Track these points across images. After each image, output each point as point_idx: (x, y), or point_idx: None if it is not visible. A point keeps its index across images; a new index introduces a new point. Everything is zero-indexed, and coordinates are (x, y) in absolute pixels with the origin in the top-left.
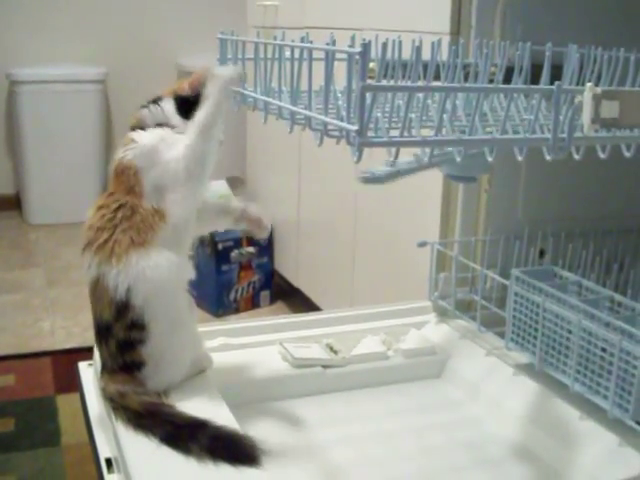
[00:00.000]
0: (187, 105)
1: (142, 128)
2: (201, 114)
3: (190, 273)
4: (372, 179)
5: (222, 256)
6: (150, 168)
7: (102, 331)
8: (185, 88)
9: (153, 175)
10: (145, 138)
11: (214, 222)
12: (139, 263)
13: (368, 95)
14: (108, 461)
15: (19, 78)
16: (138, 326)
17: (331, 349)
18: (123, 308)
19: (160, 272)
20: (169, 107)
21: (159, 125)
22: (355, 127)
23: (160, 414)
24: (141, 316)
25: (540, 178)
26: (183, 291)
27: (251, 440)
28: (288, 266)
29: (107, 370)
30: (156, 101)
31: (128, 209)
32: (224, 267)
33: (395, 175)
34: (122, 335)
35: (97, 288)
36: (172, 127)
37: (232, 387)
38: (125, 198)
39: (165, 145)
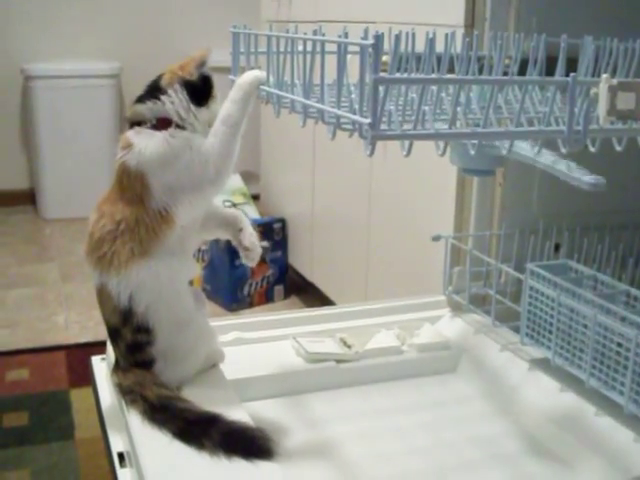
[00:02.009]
0: (196, 91)
1: (139, 123)
2: (226, 112)
3: (193, 271)
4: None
5: (235, 251)
6: (162, 172)
7: (112, 333)
8: (192, 72)
9: (168, 178)
10: (149, 143)
11: (213, 231)
12: (139, 274)
13: (381, 88)
14: (120, 455)
15: (33, 73)
16: (143, 330)
17: (345, 343)
18: (128, 314)
19: (161, 281)
20: (181, 97)
21: (160, 120)
22: (368, 120)
23: (173, 409)
24: (145, 321)
25: None
26: (185, 291)
27: (264, 433)
28: (302, 260)
29: (120, 367)
30: (157, 91)
31: (132, 221)
32: (237, 262)
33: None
34: (130, 338)
35: (102, 295)
36: (176, 120)
37: (245, 382)
38: (129, 209)
39: (176, 147)
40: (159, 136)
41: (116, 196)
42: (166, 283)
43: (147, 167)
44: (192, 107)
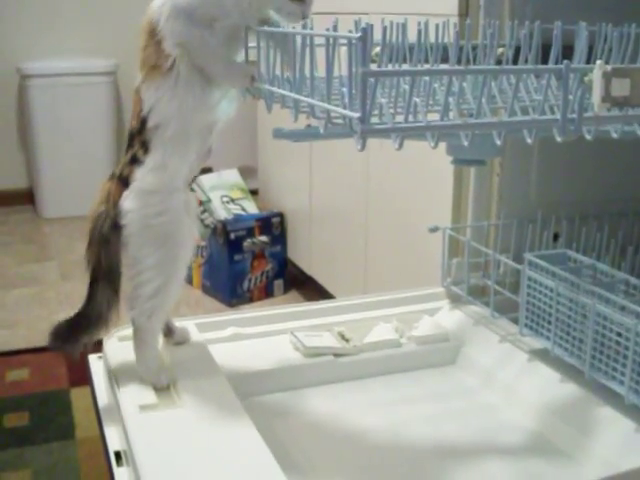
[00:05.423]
0: None
1: None
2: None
3: (221, 110)
4: (282, 135)
5: (234, 246)
6: None
7: (128, 138)
8: None
9: None
10: None
11: None
12: (158, 90)
13: (370, 81)
14: (117, 454)
15: (29, 72)
16: (146, 148)
17: (343, 337)
18: (143, 125)
19: (176, 104)
20: None
21: None
22: (357, 114)
23: None
24: (150, 140)
25: (553, 160)
26: (195, 140)
27: None
28: (301, 254)
29: (112, 177)
30: None
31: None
32: (237, 257)
33: (306, 135)
34: (135, 150)
35: (136, 96)
36: None
37: (242, 377)
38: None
39: None
40: None
41: None
42: (180, 110)
43: None
44: None
